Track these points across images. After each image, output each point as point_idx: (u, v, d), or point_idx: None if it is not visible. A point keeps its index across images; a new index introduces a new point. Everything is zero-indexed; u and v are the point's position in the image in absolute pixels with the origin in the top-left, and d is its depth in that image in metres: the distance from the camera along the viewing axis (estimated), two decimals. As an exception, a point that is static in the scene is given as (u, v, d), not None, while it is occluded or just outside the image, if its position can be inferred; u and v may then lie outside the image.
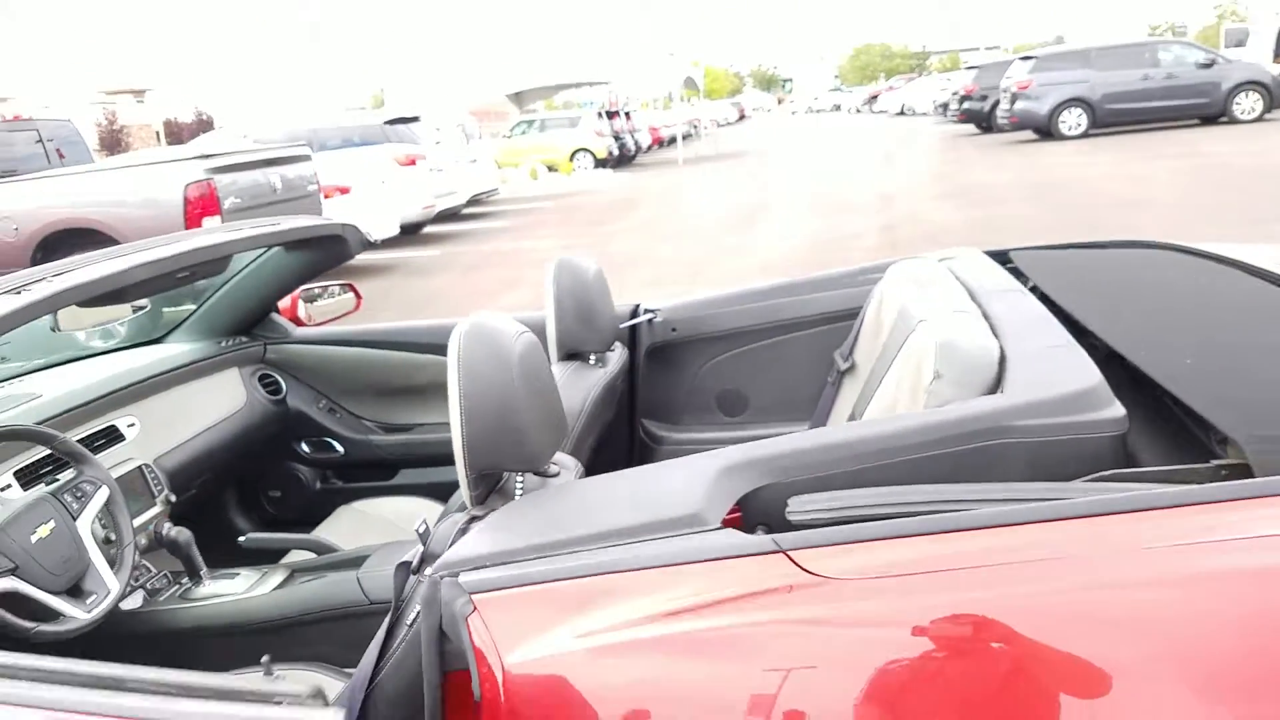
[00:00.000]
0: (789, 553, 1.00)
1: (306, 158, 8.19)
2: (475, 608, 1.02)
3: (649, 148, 27.58)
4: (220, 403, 2.57)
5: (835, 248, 8.71)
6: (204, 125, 49.80)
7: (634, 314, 2.43)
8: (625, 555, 1.04)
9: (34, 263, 6.86)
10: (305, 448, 2.84)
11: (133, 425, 2.27)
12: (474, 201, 16.93)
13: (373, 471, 2.84)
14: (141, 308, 2.76)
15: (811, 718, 0.94)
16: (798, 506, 1.12)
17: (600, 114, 23.78)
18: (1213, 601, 0.92)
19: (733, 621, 0.98)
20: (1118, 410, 1.22)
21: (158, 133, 50.57)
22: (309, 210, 8.05)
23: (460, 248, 11.85)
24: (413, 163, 11.83)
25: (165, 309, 2.79)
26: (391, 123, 12.40)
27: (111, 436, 2.20)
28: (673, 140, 27.09)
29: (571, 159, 22.21)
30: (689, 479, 1.16)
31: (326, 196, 9.34)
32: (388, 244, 12.05)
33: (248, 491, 2.86)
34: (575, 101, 37.51)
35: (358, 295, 2.98)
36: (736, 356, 2.44)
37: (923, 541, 0.99)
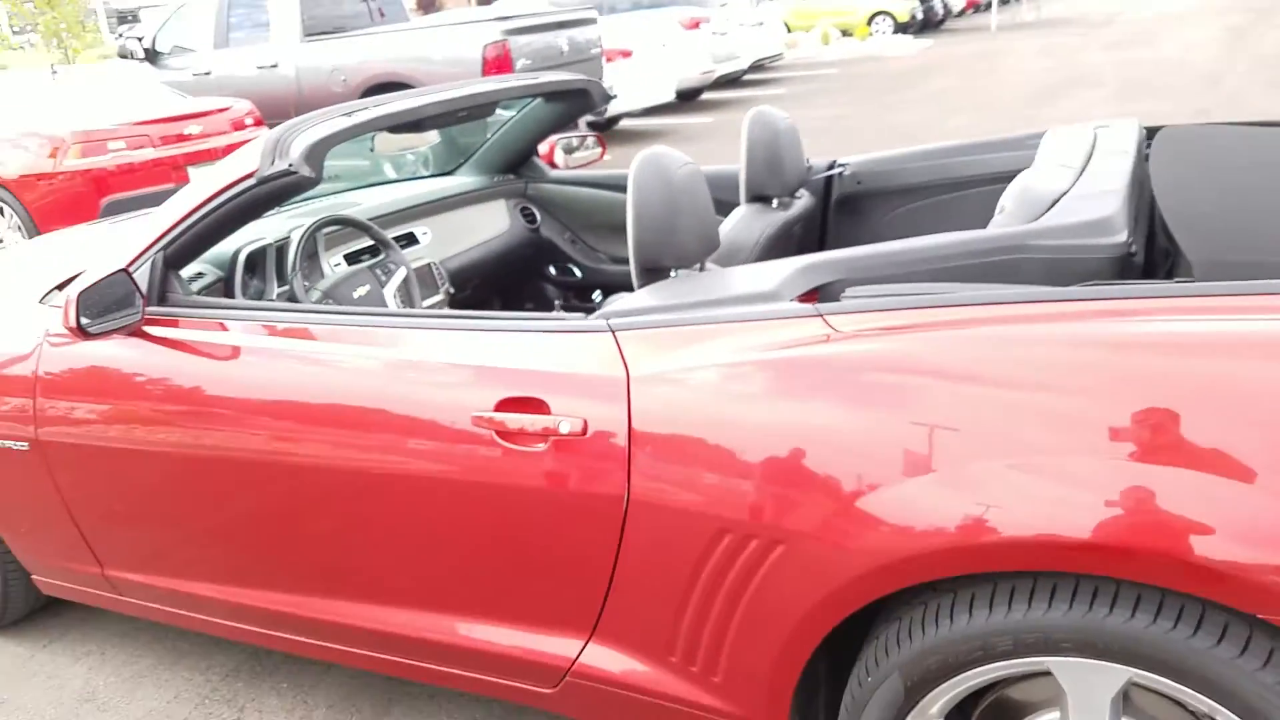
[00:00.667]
0: (825, 316, 1.44)
1: (592, 21, 8.53)
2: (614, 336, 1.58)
3: (961, 11, 25.64)
4: (490, 225, 3.18)
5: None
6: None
7: (830, 167, 2.70)
8: (713, 314, 1.51)
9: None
10: (552, 270, 3.36)
11: (425, 233, 2.93)
12: (757, 67, 16.75)
13: (603, 294, 3.33)
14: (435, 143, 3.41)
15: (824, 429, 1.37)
16: (850, 292, 1.50)
17: (906, -28, 22.33)
18: (1125, 367, 1.22)
19: (779, 356, 1.42)
20: (1120, 237, 1.51)
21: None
22: (591, 72, 8.43)
23: (733, 115, 11.88)
24: (696, 25, 11.89)
25: (458, 144, 3.33)
26: (677, -18, 12.44)
27: (410, 239, 2.88)
28: (988, 4, 25.05)
29: (869, 22, 21.16)
30: (779, 270, 1.57)
31: (609, 60, 9.70)
32: (664, 110, 12.34)
33: (508, 301, 3.43)
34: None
35: (603, 146, 3.48)
36: (914, 210, 2.67)
37: (921, 313, 1.38)
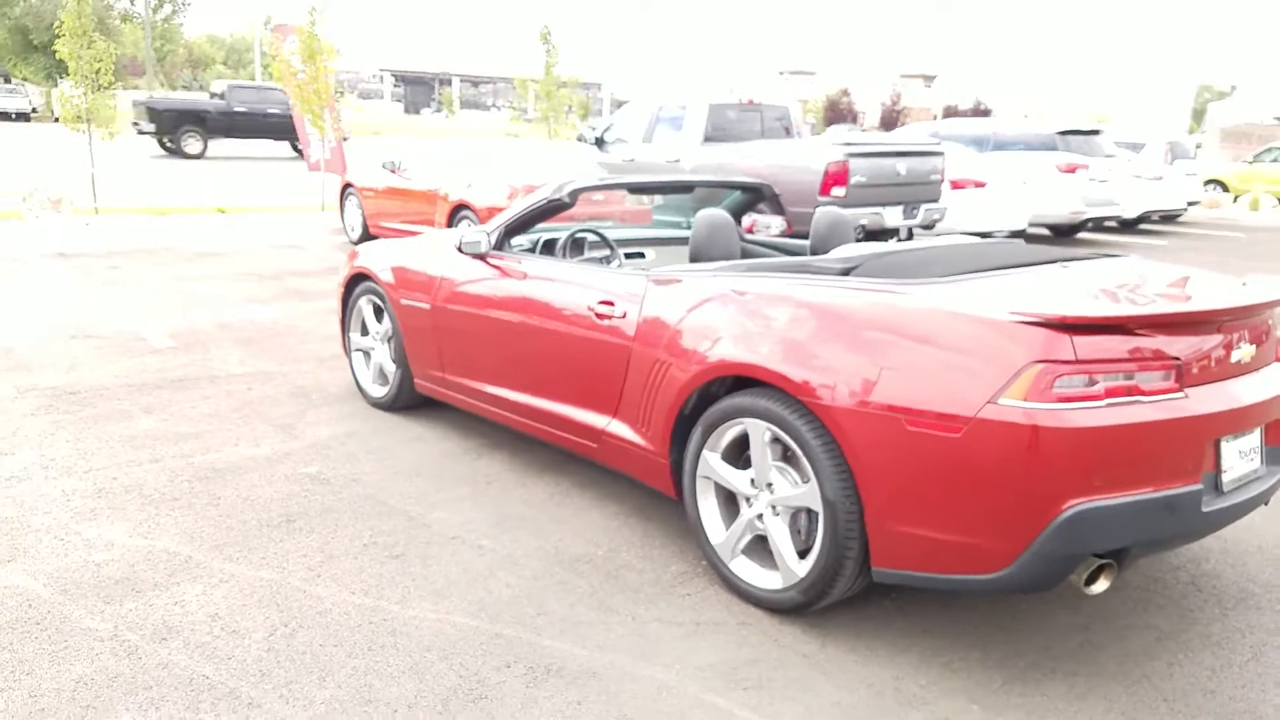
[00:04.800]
0: (725, 273, 3.17)
1: (938, 154, 10.10)
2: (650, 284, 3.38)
3: None
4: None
5: None
6: (978, 112, 53.57)
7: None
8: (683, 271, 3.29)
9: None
10: None
11: (650, 254, 4.73)
12: (1169, 219, 16.86)
13: None
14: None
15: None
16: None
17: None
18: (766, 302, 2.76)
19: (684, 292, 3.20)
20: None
21: (935, 115, 55.70)
22: (926, 196, 9.99)
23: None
24: (1072, 170, 12.85)
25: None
26: (1065, 134, 13.44)
27: (640, 255, 4.69)
28: None
29: (1316, 194, 19.88)
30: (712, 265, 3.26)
31: (957, 187, 11.15)
32: (1026, 238, 13.32)
33: None
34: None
35: (789, 225, 5.12)
36: None
37: (727, 277, 3.09)
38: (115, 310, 7.08)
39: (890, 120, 49.36)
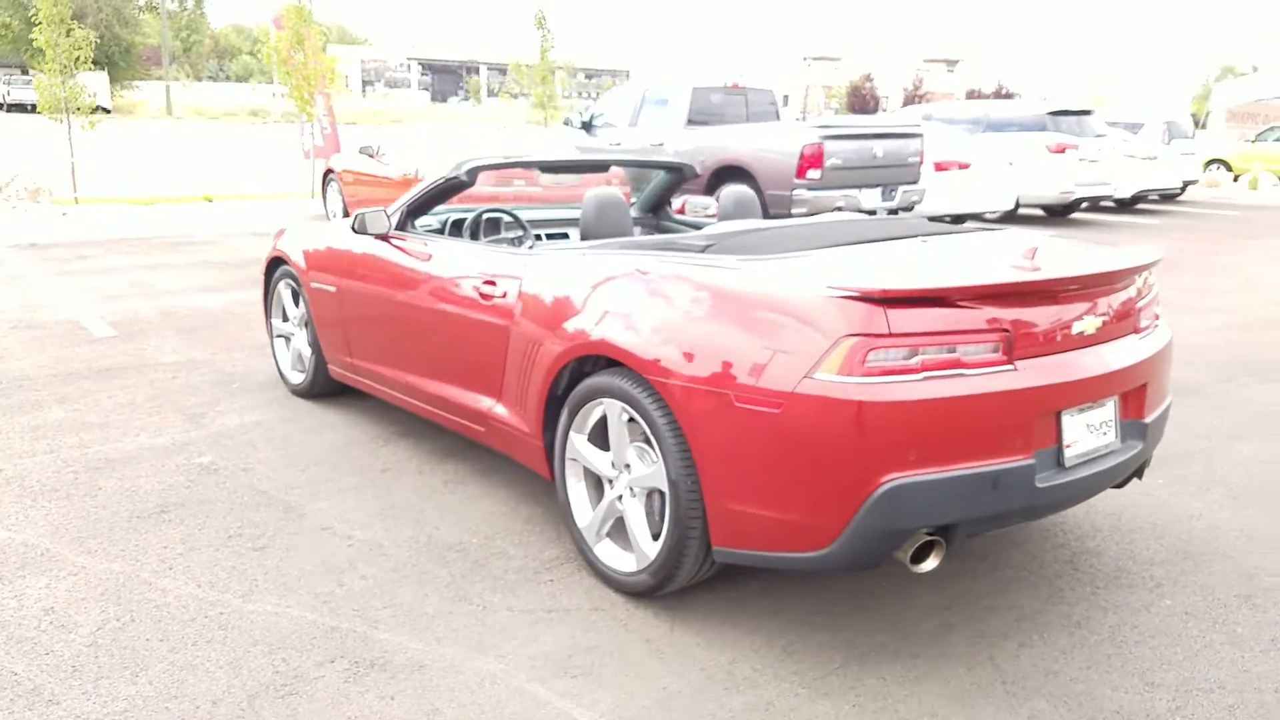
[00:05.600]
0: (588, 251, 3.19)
1: (917, 135, 9.88)
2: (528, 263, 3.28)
3: None
4: None
5: None
6: (1000, 96, 53.04)
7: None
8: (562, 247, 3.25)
9: (709, 188, 9.91)
10: None
11: (573, 234, 4.65)
12: (1167, 198, 16.52)
13: None
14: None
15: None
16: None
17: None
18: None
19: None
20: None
21: (956, 100, 55.41)
22: (906, 178, 9.77)
23: (1082, 234, 12.26)
24: (1062, 150, 12.57)
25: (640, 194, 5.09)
26: (1055, 114, 13.13)
27: (565, 235, 4.59)
28: None
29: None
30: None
31: (940, 169, 10.91)
32: (1018, 219, 13.10)
33: None
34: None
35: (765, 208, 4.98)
36: None
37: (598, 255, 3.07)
38: (66, 300, 7.05)
39: (912, 105, 48.62)
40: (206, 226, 11.02)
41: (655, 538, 2.76)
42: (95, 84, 43.01)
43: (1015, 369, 2.41)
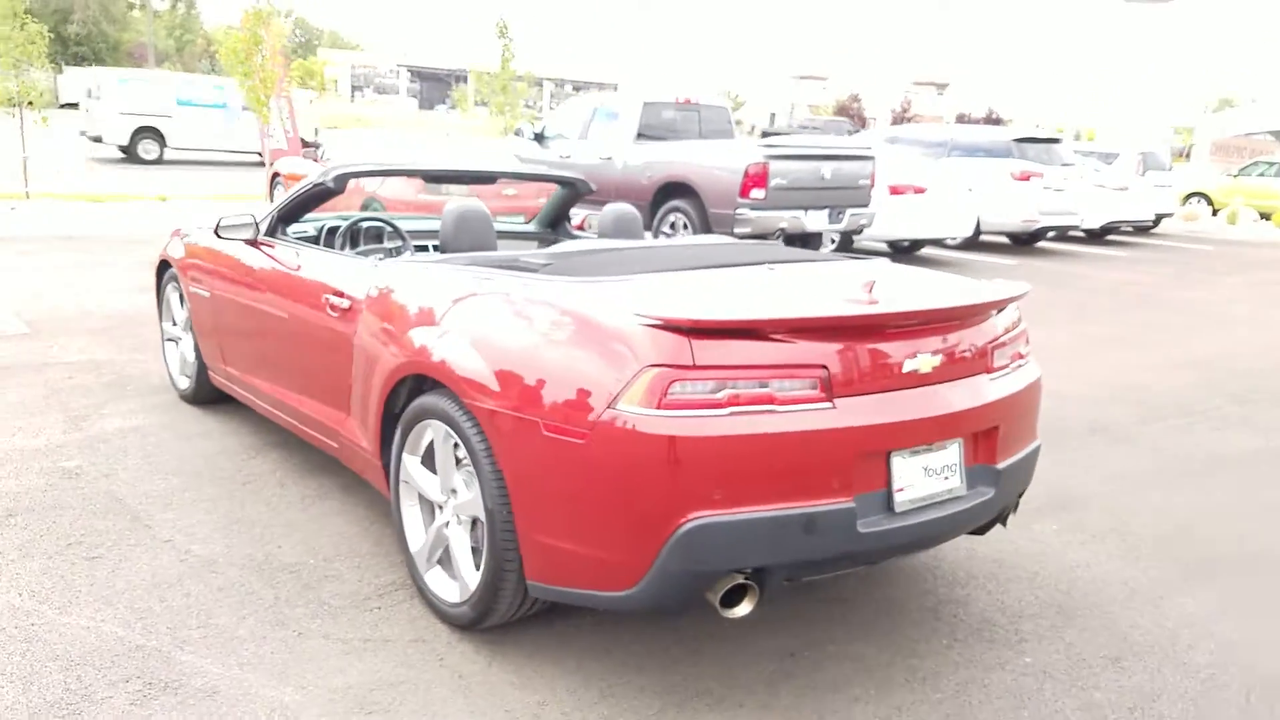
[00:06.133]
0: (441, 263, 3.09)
1: (868, 158, 9.87)
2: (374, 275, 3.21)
3: None
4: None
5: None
6: (991, 121, 53.28)
7: None
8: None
9: (653, 202, 9.88)
10: None
11: None
12: (1140, 230, 16.59)
13: None
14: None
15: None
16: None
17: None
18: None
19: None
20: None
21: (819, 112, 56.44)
22: (856, 200, 9.75)
23: (1045, 264, 12.29)
24: (1026, 178, 12.61)
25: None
26: (1021, 141, 13.17)
27: None
28: None
29: (1295, 208, 19.51)
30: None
31: (896, 193, 10.91)
32: (980, 247, 13.12)
33: None
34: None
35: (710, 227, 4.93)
36: None
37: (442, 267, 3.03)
38: (-14, 295, 6.95)
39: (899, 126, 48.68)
40: (155, 225, 10.92)
41: (479, 568, 2.70)
42: (83, 80, 43.35)
43: (834, 407, 2.34)
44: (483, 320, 2.68)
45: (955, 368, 2.59)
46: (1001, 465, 2.70)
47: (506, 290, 2.70)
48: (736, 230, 9.07)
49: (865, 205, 9.92)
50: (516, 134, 12.03)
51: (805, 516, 2.29)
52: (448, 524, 2.81)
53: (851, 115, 55.07)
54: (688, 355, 2.24)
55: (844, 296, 2.58)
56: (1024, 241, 13.98)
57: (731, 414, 2.25)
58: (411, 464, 2.93)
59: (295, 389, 3.66)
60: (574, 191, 4.65)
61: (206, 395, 4.64)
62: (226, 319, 4.11)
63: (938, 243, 12.83)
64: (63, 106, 41.26)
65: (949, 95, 70.33)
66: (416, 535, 2.97)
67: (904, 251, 12.41)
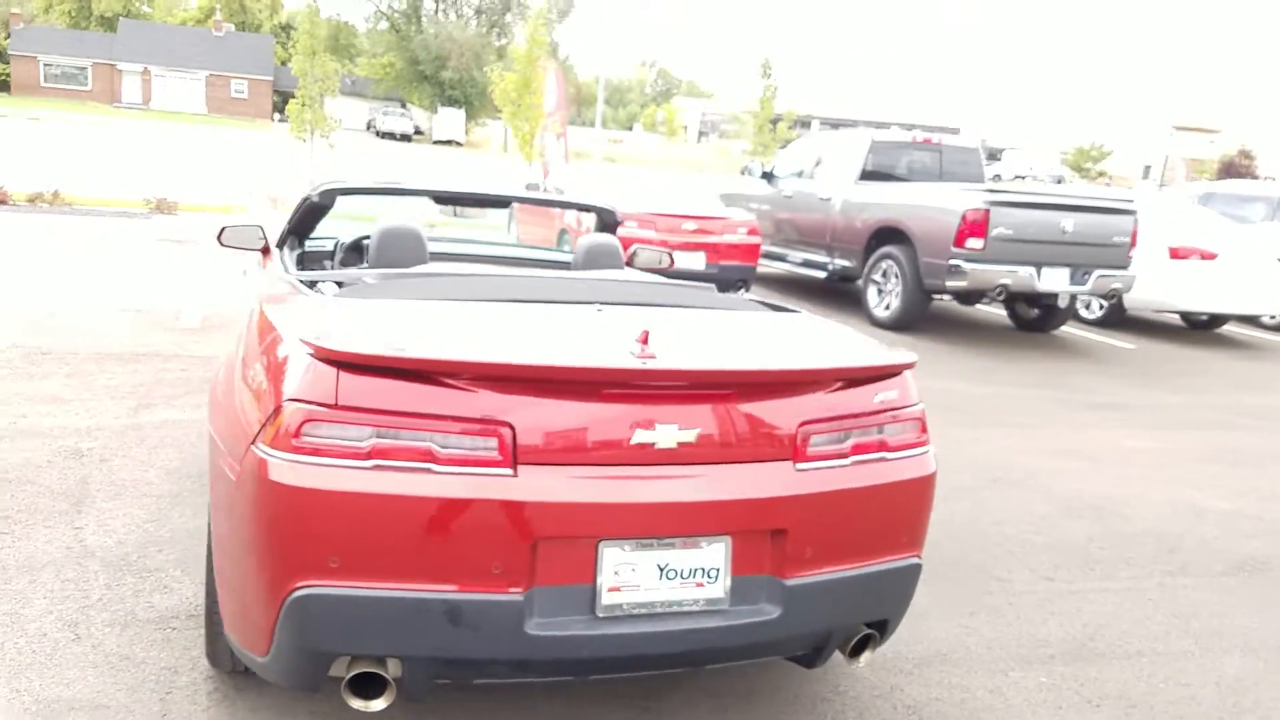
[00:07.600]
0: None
1: (1126, 212, 8.38)
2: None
3: None
4: None
5: None
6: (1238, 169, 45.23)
7: None
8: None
9: (866, 248, 9.08)
10: None
11: None
12: None
13: None
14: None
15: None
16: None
17: None
18: None
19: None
20: None
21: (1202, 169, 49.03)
22: (1107, 260, 8.28)
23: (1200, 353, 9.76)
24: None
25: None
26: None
27: None
28: None
29: None
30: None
31: (1177, 256, 9.18)
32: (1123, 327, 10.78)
33: None
34: None
35: (672, 261, 4.38)
36: None
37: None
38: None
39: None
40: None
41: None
42: (453, 119, 48.74)
43: (515, 475, 1.83)
44: (240, 338, 2.48)
45: (728, 449, 1.94)
46: (792, 582, 2.00)
47: (270, 310, 2.39)
48: (949, 284, 8.05)
49: (1122, 267, 8.41)
50: (743, 173, 11.67)
51: (447, 605, 1.81)
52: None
53: (1239, 171, 48.41)
54: (331, 392, 1.82)
55: (622, 349, 1.99)
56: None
57: (375, 468, 1.80)
58: None
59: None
60: (601, 221, 4.26)
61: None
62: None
63: (1250, 319, 10.69)
64: (436, 143, 46.77)
65: (1219, 141, 60.07)
66: None
67: (1201, 326, 10.46)
